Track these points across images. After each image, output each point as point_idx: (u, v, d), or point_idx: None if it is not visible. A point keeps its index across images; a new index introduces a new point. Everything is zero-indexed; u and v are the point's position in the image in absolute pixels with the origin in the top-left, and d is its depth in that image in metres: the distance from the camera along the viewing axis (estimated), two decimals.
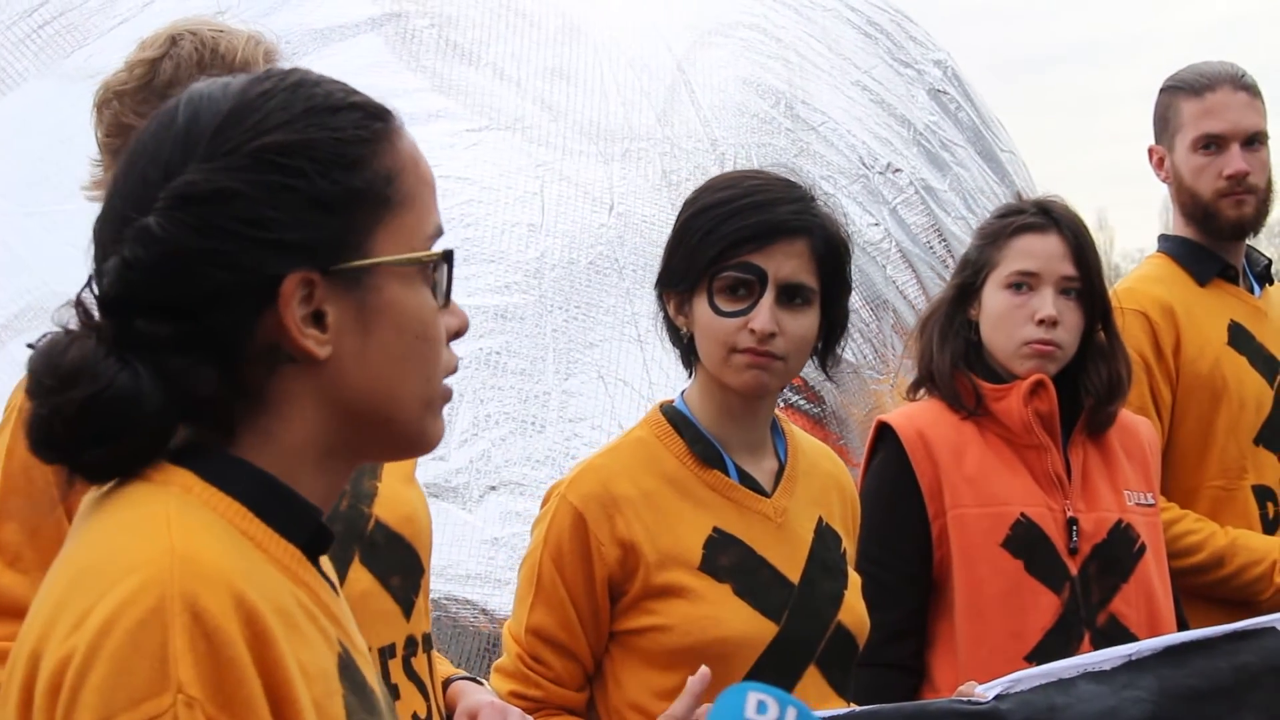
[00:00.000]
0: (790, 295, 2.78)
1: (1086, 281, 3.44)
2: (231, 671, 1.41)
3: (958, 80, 6.49)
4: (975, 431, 3.44)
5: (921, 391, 3.57)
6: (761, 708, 1.61)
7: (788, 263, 2.77)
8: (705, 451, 2.85)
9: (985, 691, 2.78)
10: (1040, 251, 3.44)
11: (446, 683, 2.67)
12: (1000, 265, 3.47)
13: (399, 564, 2.59)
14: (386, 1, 5.54)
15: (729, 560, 2.79)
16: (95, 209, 2.64)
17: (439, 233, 1.63)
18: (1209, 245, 4.24)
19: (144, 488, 1.52)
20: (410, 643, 2.58)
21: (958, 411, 3.47)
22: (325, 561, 1.67)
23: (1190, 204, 4.23)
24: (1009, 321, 3.44)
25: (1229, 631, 2.94)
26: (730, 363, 2.79)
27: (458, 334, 1.65)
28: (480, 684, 2.70)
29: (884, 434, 3.49)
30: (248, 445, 1.56)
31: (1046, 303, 3.41)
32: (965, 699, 2.79)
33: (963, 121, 6.37)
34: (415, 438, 1.62)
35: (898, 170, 5.91)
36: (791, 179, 2.90)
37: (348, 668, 1.55)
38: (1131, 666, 2.84)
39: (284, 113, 1.55)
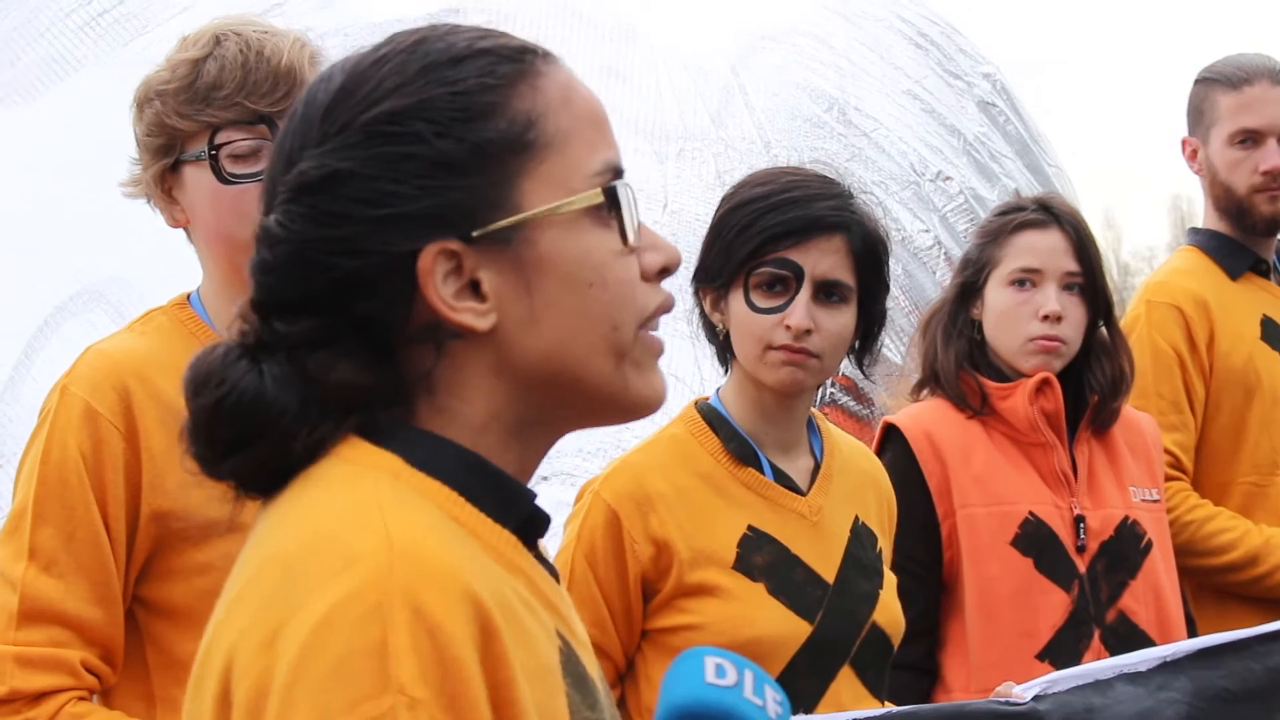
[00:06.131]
0: (827, 292, 2.75)
1: (1089, 277, 3.43)
2: (457, 672, 1.29)
3: (1006, 94, 6.51)
4: (981, 431, 3.43)
5: (925, 391, 3.55)
6: (720, 671, 1.58)
7: (825, 259, 2.75)
8: (740, 449, 2.81)
9: (1024, 692, 2.77)
10: (1042, 247, 3.43)
11: None
12: (1002, 263, 3.46)
13: None
14: None
15: (763, 559, 2.76)
16: None
17: (612, 168, 1.47)
18: (1241, 239, 4.20)
19: (345, 470, 1.40)
20: None
21: (963, 411, 3.45)
22: (542, 545, 1.54)
23: (1224, 198, 4.19)
24: (1013, 318, 3.43)
25: (1263, 633, 2.94)
26: (766, 359, 2.76)
27: (665, 270, 1.49)
28: None
29: (890, 435, 3.46)
30: (431, 424, 1.43)
31: (1050, 298, 3.40)
32: (1003, 699, 2.78)
33: (1011, 134, 6.38)
34: (616, 396, 1.47)
35: (948, 178, 5.91)
36: (829, 176, 2.86)
37: (570, 660, 1.43)
38: (1166, 668, 2.84)
39: (397, 77, 1.43)
